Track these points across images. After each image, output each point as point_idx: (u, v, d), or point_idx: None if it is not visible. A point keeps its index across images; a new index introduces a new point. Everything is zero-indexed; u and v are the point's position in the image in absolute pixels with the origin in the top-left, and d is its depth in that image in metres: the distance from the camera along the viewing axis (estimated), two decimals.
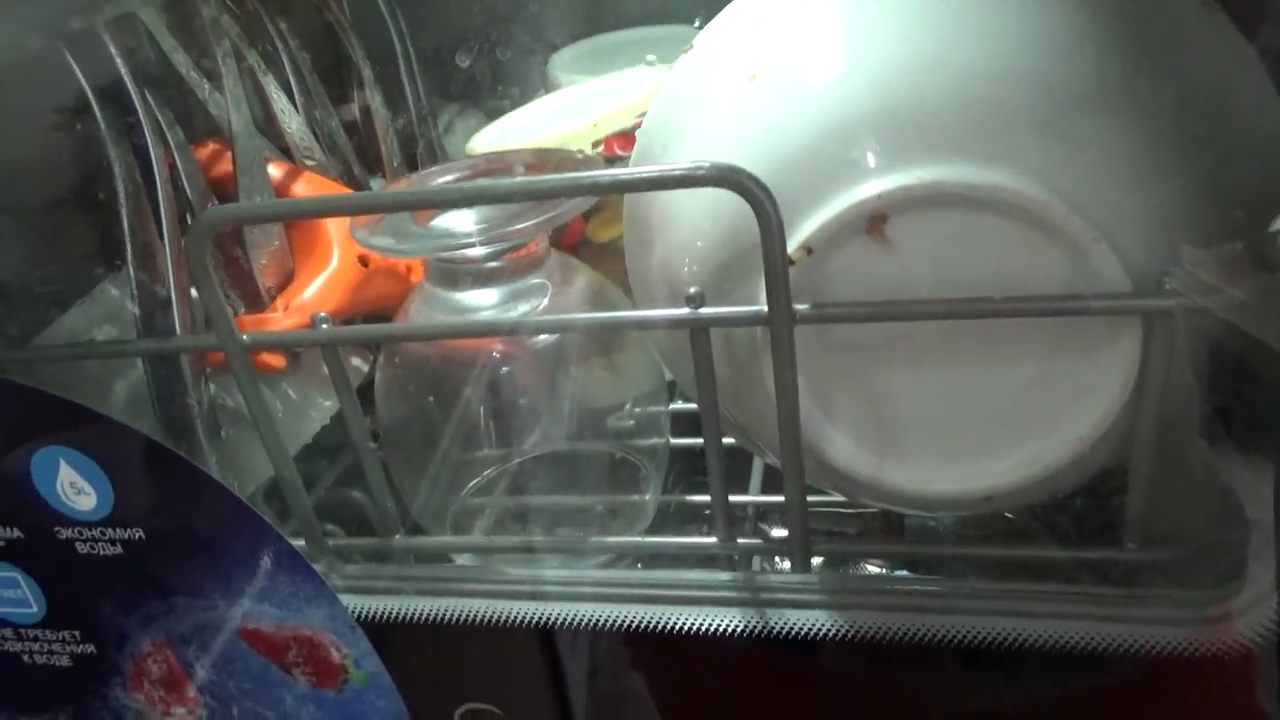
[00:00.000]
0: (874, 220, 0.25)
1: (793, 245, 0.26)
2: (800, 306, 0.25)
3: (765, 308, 0.26)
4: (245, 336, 0.30)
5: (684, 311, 0.27)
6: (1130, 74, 0.24)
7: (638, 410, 0.42)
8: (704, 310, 0.27)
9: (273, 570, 0.28)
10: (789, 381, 0.26)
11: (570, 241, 0.44)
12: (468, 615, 0.30)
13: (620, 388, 0.42)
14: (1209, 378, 0.25)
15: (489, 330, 0.33)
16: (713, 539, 0.30)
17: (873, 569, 0.36)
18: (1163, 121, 0.24)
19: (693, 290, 0.27)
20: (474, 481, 0.41)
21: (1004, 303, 0.24)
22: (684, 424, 0.43)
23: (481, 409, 0.39)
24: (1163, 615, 0.25)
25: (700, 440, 0.40)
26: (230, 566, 0.28)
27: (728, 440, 0.35)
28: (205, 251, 0.28)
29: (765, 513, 0.40)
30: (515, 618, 0.29)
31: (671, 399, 0.44)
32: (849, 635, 0.25)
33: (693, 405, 0.44)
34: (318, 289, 0.36)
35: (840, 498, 0.35)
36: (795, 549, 0.28)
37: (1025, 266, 0.25)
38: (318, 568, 0.30)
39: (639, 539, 0.35)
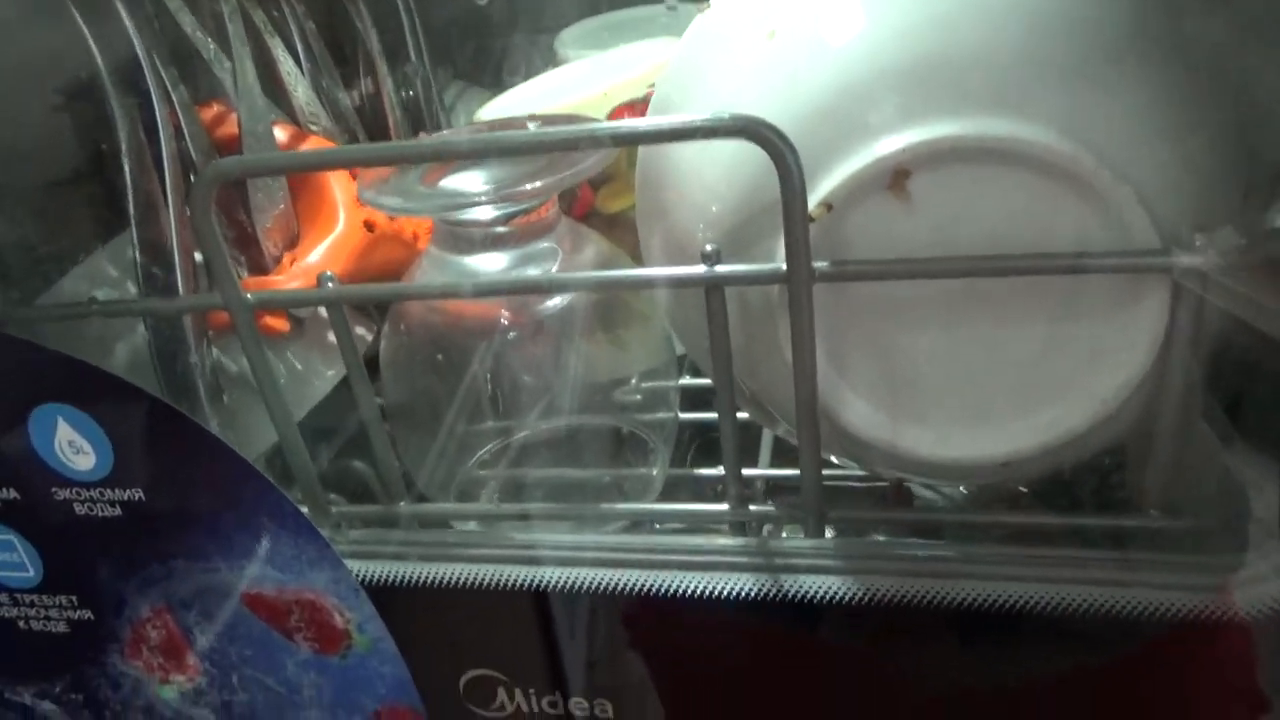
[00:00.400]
0: (896, 176, 0.25)
1: (812, 202, 0.25)
2: (819, 264, 0.25)
3: (783, 265, 0.25)
4: (250, 295, 0.29)
5: (699, 269, 0.26)
6: (1160, 23, 0.24)
7: (646, 385, 0.42)
8: (720, 268, 0.26)
9: (275, 532, 0.27)
10: (806, 342, 0.25)
11: (579, 214, 0.43)
12: (474, 581, 0.29)
13: (628, 361, 0.41)
14: (1216, 366, 0.25)
15: (497, 289, 0.32)
16: (725, 506, 0.29)
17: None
18: (1195, 73, 0.23)
19: (709, 248, 0.26)
20: (480, 454, 0.40)
21: (1028, 260, 0.24)
22: (693, 400, 0.43)
23: (488, 379, 0.39)
24: (1185, 580, 0.24)
25: (710, 415, 0.40)
26: (232, 528, 0.28)
27: (739, 415, 0.34)
28: (210, 205, 0.28)
29: (774, 489, 0.40)
30: (522, 583, 0.29)
31: (682, 373, 0.44)
32: (865, 600, 0.25)
33: (702, 380, 0.43)
34: (323, 253, 0.36)
35: (853, 471, 0.35)
36: (810, 513, 0.28)
37: (1051, 223, 0.24)
38: (322, 532, 0.29)
39: (649, 506, 0.34)
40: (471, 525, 0.36)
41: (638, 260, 0.36)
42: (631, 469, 0.39)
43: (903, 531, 0.34)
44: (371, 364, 0.36)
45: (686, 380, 0.44)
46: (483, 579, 0.29)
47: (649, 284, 0.29)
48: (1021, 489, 0.34)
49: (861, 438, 0.27)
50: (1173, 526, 0.26)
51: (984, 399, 0.26)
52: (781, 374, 0.27)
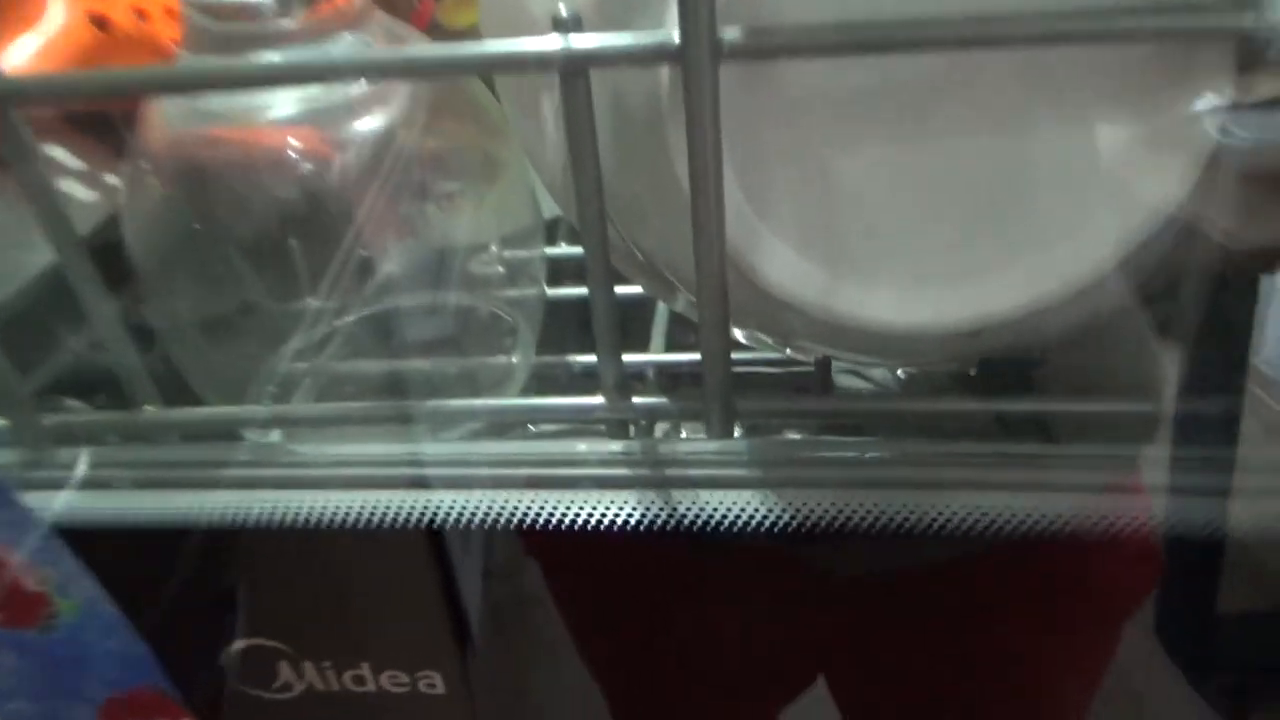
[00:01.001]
0: None
1: None
2: (727, 32, 0.17)
3: (675, 34, 0.16)
4: None
5: (551, 43, 0.17)
6: None
7: (507, 253, 0.33)
8: (580, 40, 0.17)
9: None
10: (709, 152, 0.17)
11: (420, 28, 0.33)
12: (247, 515, 0.21)
13: (484, 222, 0.33)
14: None
15: (250, 78, 0.22)
16: (598, 399, 0.21)
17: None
18: None
19: (563, 11, 0.17)
20: (289, 344, 0.31)
21: (1031, 24, 0.16)
22: (567, 274, 0.35)
23: (293, 244, 0.29)
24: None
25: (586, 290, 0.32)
26: None
27: (630, 290, 0.26)
28: None
29: (671, 383, 0.32)
30: (317, 516, 0.20)
31: (553, 240, 0.35)
32: (789, 524, 0.18)
33: (577, 250, 0.35)
34: (28, 58, 0.25)
35: (765, 354, 0.28)
36: (713, 408, 0.20)
37: None
38: (19, 455, 0.20)
39: (500, 402, 0.26)
40: (275, 436, 0.27)
41: (492, 91, 0.27)
42: (488, 357, 0.30)
43: (822, 429, 0.27)
44: None
45: (562, 249, 0.35)
46: (260, 513, 0.21)
47: (483, 68, 0.20)
48: (970, 372, 0.27)
49: (786, 299, 0.19)
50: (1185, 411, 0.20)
51: (956, 240, 0.19)
52: (678, 218, 0.19)
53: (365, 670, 0.19)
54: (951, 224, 0.19)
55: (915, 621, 0.38)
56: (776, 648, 0.40)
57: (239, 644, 0.20)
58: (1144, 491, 0.21)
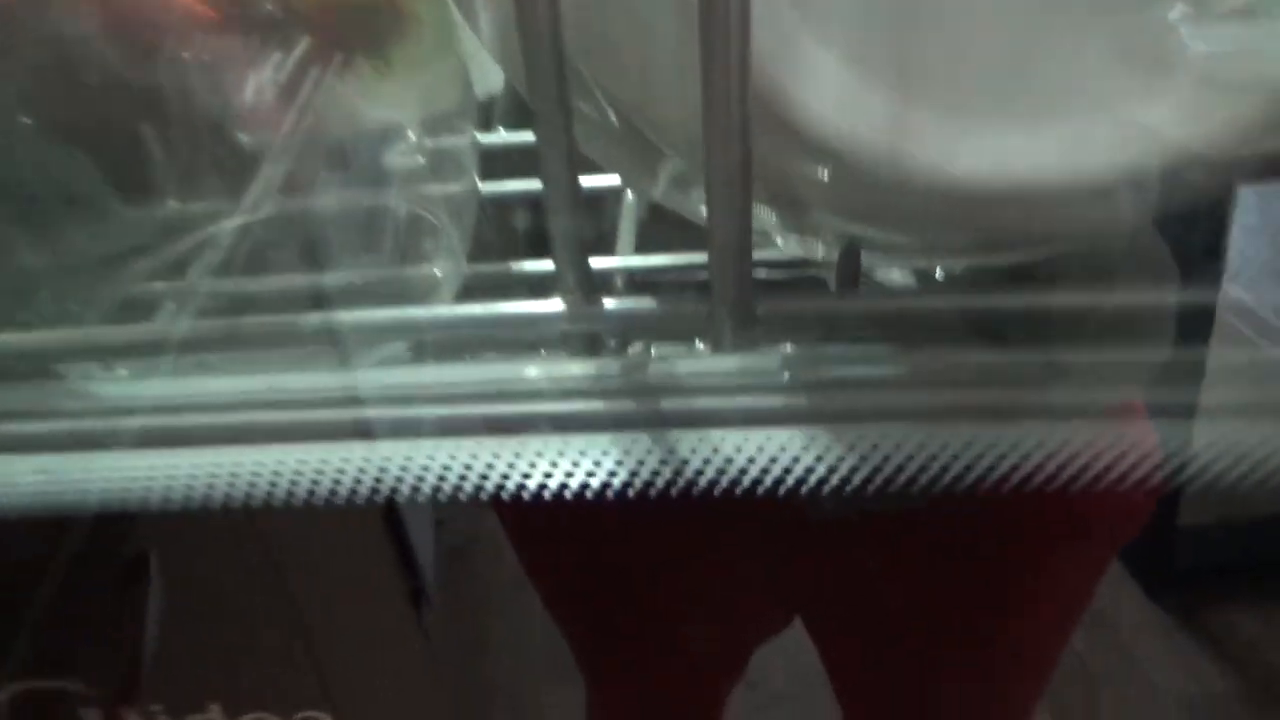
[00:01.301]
0: None
1: None
2: None
3: None
4: None
5: None
6: None
7: (429, 141, 0.26)
8: None
9: None
10: None
11: None
12: (41, 488, 0.14)
13: (400, 98, 0.26)
14: None
15: None
16: (556, 303, 0.15)
17: None
18: None
19: None
20: (150, 257, 0.24)
21: None
22: (507, 167, 0.28)
23: (138, 122, 0.22)
24: None
25: (533, 184, 0.25)
26: None
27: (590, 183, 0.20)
28: None
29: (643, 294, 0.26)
30: (159, 490, 0.14)
31: (488, 125, 0.28)
32: (861, 480, 0.12)
33: (522, 135, 0.28)
34: None
35: (761, 252, 0.22)
36: (723, 310, 0.14)
37: None
38: None
39: (422, 311, 0.19)
40: (122, 375, 0.20)
41: None
42: (407, 267, 0.24)
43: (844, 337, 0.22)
44: None
45: (500, 135, 0.28)
46: (58, 485, 0.14)
47: None
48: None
49: (835, 144, 0.13)
50: None
51: (1090, 55, 0.13)
52: (669, 42, 0.13)
53: (215, 714, 0.12)
54: (1082, 31, 0.13)
55: (895, 561, 0.35)
56: (753, 589, 0.38)
57: (15, 687, 0.13)
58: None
